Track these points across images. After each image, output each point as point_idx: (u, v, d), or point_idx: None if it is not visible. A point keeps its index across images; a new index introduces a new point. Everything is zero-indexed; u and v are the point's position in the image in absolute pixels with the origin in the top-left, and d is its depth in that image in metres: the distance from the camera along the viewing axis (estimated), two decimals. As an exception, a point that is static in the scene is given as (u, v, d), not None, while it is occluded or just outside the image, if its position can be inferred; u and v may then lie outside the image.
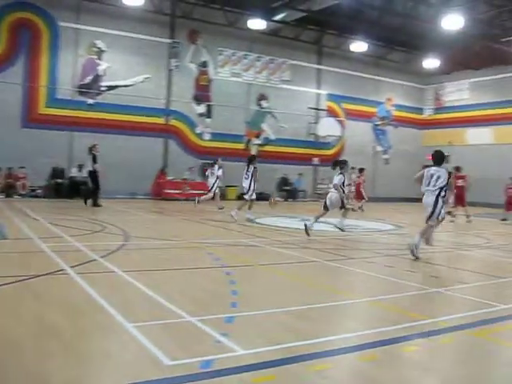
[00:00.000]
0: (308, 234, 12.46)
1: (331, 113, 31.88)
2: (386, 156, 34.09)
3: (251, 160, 17.09)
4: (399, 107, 35.29)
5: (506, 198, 20.18)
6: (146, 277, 7.28)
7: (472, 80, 33.89)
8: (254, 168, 16.83)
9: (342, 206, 13.37)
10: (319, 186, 30.80)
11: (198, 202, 19.57)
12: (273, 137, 29.60)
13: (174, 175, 25.82)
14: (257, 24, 26.45)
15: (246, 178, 16.80)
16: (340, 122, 31.89)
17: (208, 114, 27.82)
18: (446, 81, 35.40)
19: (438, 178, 9.97)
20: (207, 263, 8.59)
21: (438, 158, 10.41)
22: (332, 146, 32.04)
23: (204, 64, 27.68)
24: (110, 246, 9.74)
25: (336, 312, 5.96)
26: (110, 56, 25.19)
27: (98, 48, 25.05)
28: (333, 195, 13.09)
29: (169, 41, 26.49)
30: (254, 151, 28.81)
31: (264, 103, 29.52)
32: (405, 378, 4.07)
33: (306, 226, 12.60)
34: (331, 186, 13.41)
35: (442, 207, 9.95)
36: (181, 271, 7.95)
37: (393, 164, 33.29)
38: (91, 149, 19.21)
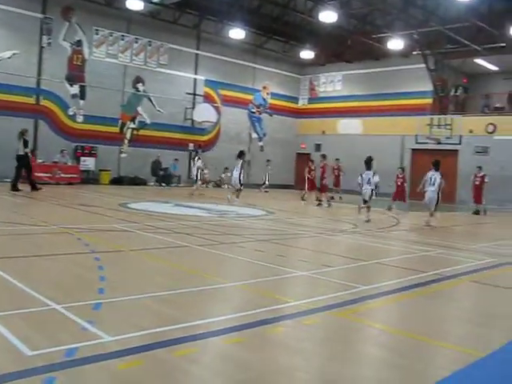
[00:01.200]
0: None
1: (208, 98, 31.91)
2: (260, 143, 34.70)
3: (240, 155, 19.13)
4: (275, 96, 36.01)
5: (395, 187, 21.08)
6: (9, 264, 6.94)
7: (344, 72, 35.33)
8: (243, 161, 19.15)
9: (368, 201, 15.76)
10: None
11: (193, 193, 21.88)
12: (148, 121, 29.12)
13: (44, 158, 24.62)
14: (135, 4, 25.74)
15: (236, 170, 19.02)
16: (216, 108, 31.99)
17: (81, 95, 26.77)
18: (321, 72, 36.63)
19: (435, 179, 14.74)
20: (76, 249, 8.32)
21: (437, 165, 15.06)
22: (208, 132, 32.09)
23: (78, 43, 26.56)
24: (-31, 231, 9.17)
25: (205, 296, 5.99)
26: (-28, 28, 23.48)
27: (-40, 18, 23.25)
28: (367, 192, 15.64)
29: (40, 16, 25.11)
30: (128, 135, 28.25)
31: (140, 86, 28.91)
32: (271, 359, 4.19)
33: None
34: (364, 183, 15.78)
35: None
36: (48, 257, 7.65)
37: (268, 151, 33.90)
38: (23, 133, 18.98)
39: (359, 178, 15.93)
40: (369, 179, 15.61)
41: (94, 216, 13.37)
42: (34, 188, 18.99)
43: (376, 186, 15.69)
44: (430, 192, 14.95)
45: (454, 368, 4.17)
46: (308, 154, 35.89)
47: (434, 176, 14.91)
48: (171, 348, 4.19)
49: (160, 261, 7.97)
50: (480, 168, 22.56)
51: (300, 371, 3.98)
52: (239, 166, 19.04)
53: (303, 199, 21.86)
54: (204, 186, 25.96)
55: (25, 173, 19.19)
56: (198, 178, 22.69)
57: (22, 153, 18.80)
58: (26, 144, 18.92)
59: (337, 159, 26.35)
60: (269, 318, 5.17)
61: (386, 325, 5.42)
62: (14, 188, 18.51)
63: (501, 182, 25.49)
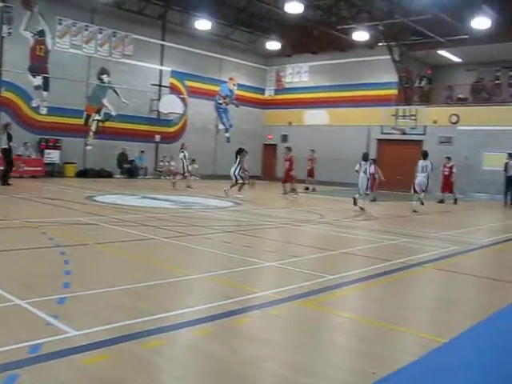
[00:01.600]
0: (355, 205, 16.58)
1: (174, 90, 31.66)
2: (227, 134, 34.63)
3: (239, 152, 19.97)
4: (242, 87, 35.93)
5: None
6: (-30, 259, 6.81)
7: (311, 63, 35.41)
8: (241, 158, 19.84)
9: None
10: (161, 164, 30.61)
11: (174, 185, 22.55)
12: (114, 113, 28.75)
13: (6, 151, 24.11)
14: (98, -6, 25.37)
15: (233, 167, 19.73)
16: (183, 99, 31.77)
17: (45, 86, 26.28)
18: (287, 63, 36.64)
19: (427, 166, 17.17)
20: (40, 243, 8.18)
21: (425, 155, 17.62)
22: (174, 124, 31.87)
23: (41, 33, 26.01)
24: None
25: (172, 288, 5.98)
26: None
27: None
28: (363, 181, 16.84)
29: (0, 4, 24.48)
30: (93, 127, 27.88)
31: (105, 78, 28.52)
32: (239, 350, 4.21)
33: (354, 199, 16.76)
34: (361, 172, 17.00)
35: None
36: (10, 252, 7.50)
37: (235, 142, 33.82)
38: (6, 127, 19.63)
39: (357, 165, 17.13)
40: (366, 169, 16.95)
41: (59, 209, 13.19)
42: (5, 182, 18.92)
43: (372, 176, 17.51)
44: (422, 177, 17.21)
45: (419, 353, 4.25)
46: (275, 144, 36.01)
47: (426, 164, 17.27)
48: (139, 341, 4.17)
49: (126, 254, 7.91)
50: (449, 158, 23.13)
51: (267, 361, 4.01)
52: (237, 162, 19.75)
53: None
54: (171, 177, 25.71)
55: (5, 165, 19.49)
56: (184, 170, 22.88)
57: (5, 146, 19.12)
58: (9, 137, 19.20)
59: (312, 150, 26.79)
60: (236, 308, 5.19)
61: (352, 313, 5.48)
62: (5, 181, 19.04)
63: (464, 172, 25.98)
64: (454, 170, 22.72)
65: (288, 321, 5.11)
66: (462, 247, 10.21)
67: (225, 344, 4.29)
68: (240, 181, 19.70)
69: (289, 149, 22.41)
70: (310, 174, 26.42)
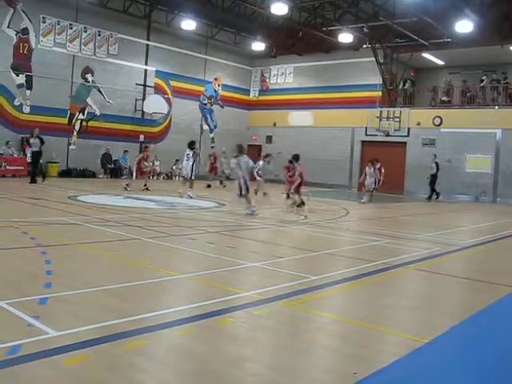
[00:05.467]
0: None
1: (159, 90, 31.54)
2: (212, 135, 34.58)
3: (191, 145, 19.30)
4: (227, 87, 35.88)
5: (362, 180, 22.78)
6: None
7: (295, 65, 35.46)
8: (194, 152, 19.21)
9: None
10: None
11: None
12: (98, 112, 28.57)
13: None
14: (82, -8, 25.19)
15: (186, 160, 19.03)
16: (167, 99, 31.66)
17: (28, 85, 26.05)
18: (272, 64, 36.64)
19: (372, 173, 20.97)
20: (21, 243, 8.10)
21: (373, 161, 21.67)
22: (159, 124, 31.74)
23: (24, 31, 25.78)
24: None
25: (155, 289, 5.94)
26: None
27: None
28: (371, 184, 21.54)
29: (-18, 2, 24.26)
30: (77, 126, 27.69)
31: (89, 77, 28.33)
32: (221, 350, 4.20)
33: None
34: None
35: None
36: (-8, 252, 7.45)
37: (219, 143, 33.79)
38: (33, 133, 21.56)
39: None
40: (370, 173, 21.06)
41: (41, 209, 13.07)
42: (32, 181, 20.95)
43: (378, 181, 21.23)
44: (369, 181, 21.22)
45: (401, 353, 4.28)
46: (259, 145, 35.98)
47: (371, 170, 21.04)
48: (120, 341, 4.15)
49: (109, 254, 7.86)
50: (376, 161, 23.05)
51: (250, 361, 4.01)
52: (190, 156, 19.21)
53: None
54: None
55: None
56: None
57: (37, 149, 21.06)
58: (42, 141, 21.17)
59: (212, 147, 30.94)
60: (219, 309, 5.18)
61: (334, 314, 5.50)
62: (33, 180, 20.97)
63: (447, 174, 26.25)
64: (382, 170, 22.99)
65: (271, 321, 5.11)
66: (443, 248, 10.28)
67: (208, 344, 4.28)
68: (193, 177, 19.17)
69: (146, 147, 23.61)
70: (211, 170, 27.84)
